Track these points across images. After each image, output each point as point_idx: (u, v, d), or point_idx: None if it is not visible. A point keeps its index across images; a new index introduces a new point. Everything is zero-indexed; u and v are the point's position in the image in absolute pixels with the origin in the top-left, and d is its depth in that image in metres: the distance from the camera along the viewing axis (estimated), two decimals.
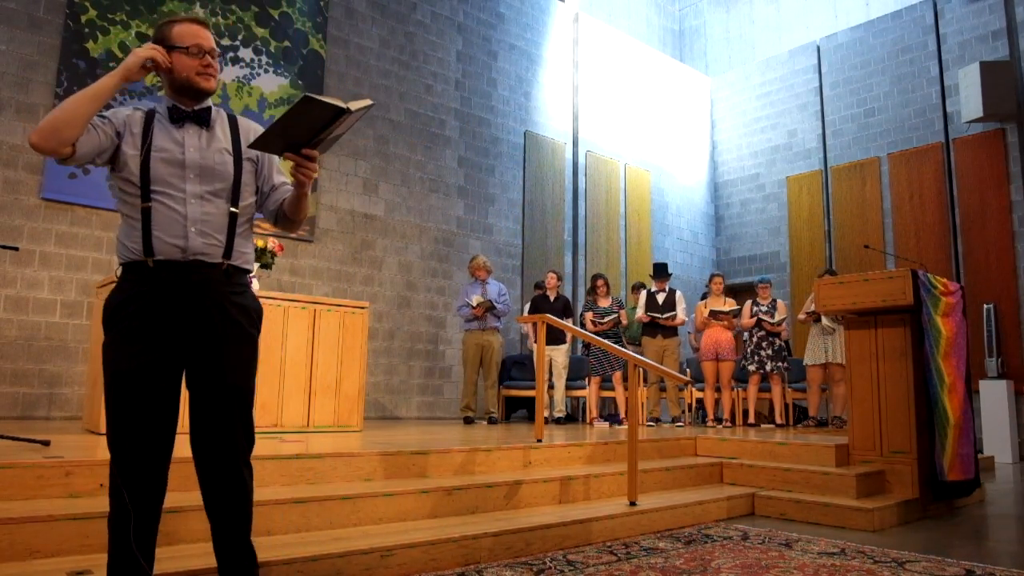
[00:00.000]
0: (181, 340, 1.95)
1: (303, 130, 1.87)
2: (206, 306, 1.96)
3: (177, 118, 2.02)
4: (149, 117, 2.01)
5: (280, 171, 2.23)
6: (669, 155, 11.89)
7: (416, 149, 8.63)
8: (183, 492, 2.93)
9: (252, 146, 1.98)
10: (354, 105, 1.85)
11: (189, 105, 2.05)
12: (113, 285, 2.01)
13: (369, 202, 8.15)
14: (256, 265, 5.28)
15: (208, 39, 2.04)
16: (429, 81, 8.85)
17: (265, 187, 2.18)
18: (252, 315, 2.07)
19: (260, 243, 5.34)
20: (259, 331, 2.11)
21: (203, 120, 2.06)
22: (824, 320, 7.11)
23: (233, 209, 2.04)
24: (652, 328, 7.49)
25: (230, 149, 2.09)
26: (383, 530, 3.00)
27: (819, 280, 5.05)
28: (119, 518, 1.89)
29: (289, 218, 2.17)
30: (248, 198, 2.12)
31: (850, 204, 10.72)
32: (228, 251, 2.01)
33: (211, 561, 2.35)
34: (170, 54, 1.99)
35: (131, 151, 1.96)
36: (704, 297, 8.18)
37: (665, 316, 7.39)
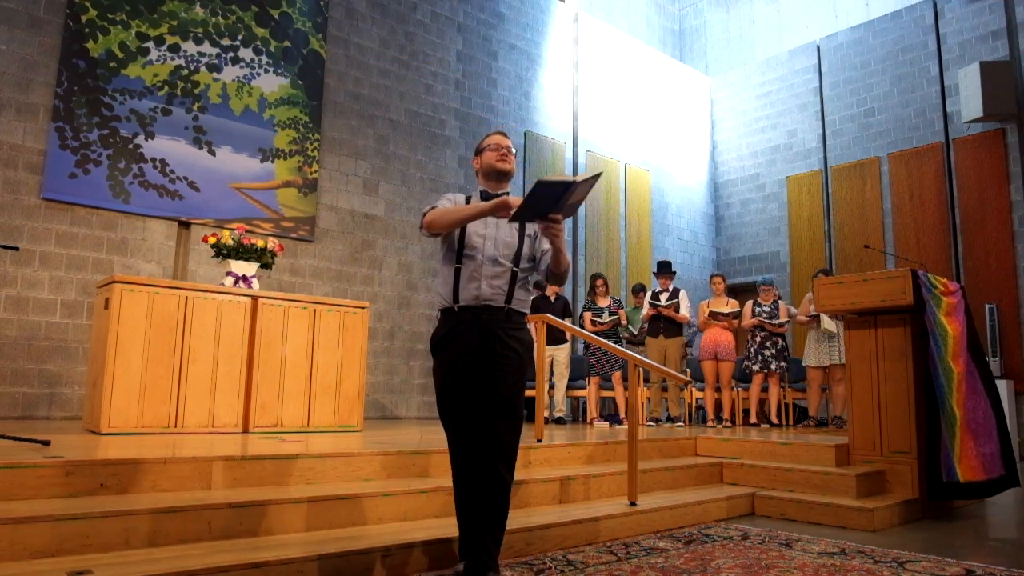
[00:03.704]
0: (476, 361, 2.60)
1: (547, 202, 2.44)
2: (492, 335, 2.60)
3: (485, 199, 2.70)
4: (468, 199, 2.79)
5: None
6: (669, 155, 11.89)
7: (416, 149, 8.63)
8: (180, 492, 2.93)
9: (511, 220, 2.52)
10: (579, 177, 2.40)
11: (495, 189, 2.77)
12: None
13: (369, 202, 8.15)
14: (256, 265, 5.28)
15: (504, 140, 2.80)
16: (429, 81, 8.85)
17: (538, 254, 2.80)
18: (524, 344, 2.70)
19: (260, 243, 5.34)
20: (530, 357, 2.75)
21: None
22: (824, 323, 7.11)
23: (514, 269, 2.68)
24: (655, 328, 7.47)
25: (518, 227, 2.74)
26: (383, 530, 3.00)
27: (818, 280, 5.04)
28: (454, 481, 2.66)
29: (553, 272, 2.77)
30: (525, 263, 2.75)
31: (850, 204, 10.72)
32: (509, 298, 2.64)
33: (208, 561, 2.36)
34: (480, 156, 2.80)
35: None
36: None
37: (666, 304, 7.33)
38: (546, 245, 2.79)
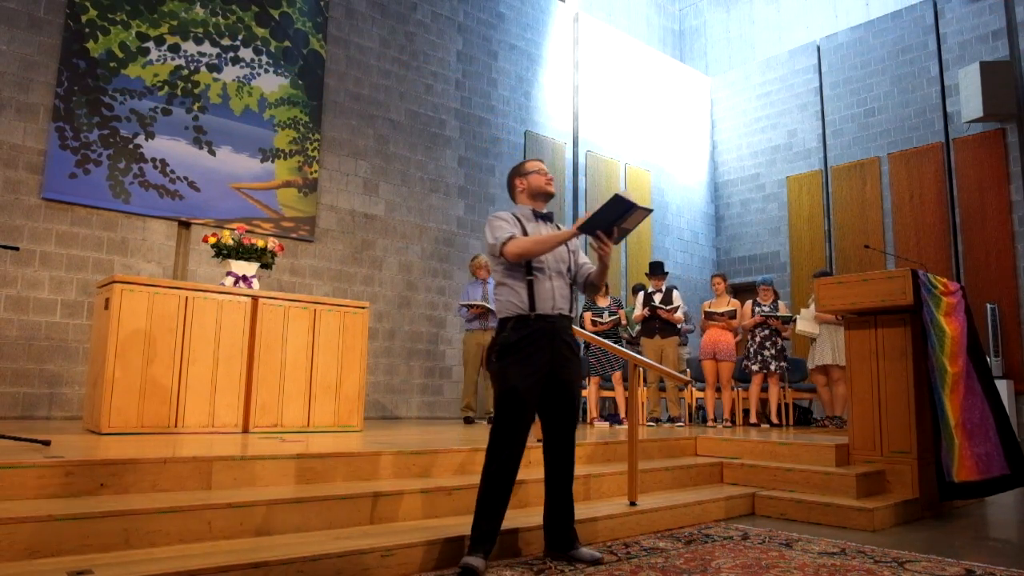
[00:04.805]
0: (550, 364, 2.89)
1: (609, 219, 2.76)
2: (562, 340, 2.93)
3: (536, 217, 3.07)
4: (515, 217, 3.03)
5: (583, 254, 3.20)
6: (669, 155, 11.89)
7: (416, 149, 8.63)
8: (180, 492, 2.93)
9: (581, 229, 2.82)
10: (642, 203, 2.73)
11: (540, 207, 3.10)
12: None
13: (369, 202, 8.15)
14: (256, 265, 5.28)
15: (544, 167, 3.15)
16: (429, 81, 8.85)
17: (575, 266, 3.09)
18: (578, 346, 3.07)
19: (260, 243, 5.34)
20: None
21: (550, 219, 3.14)
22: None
23: (569, 281, 3.03)
24: (650, 328, 7.46)
25: (569, 243, 3.04)
26: (383, 530, 3.00)
27: (819, 280, 5.04)
28: (489, 480, 2.87)
29: (594, 284, 3.11)
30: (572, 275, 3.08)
31: (850, 204, 10.72)
32: (570, 308, 3.01)
33: (208, 561, 2.36)
34: (527, 178, 3.09)
35: None
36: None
37: (667, 307, 7.32)
38: (582, 259, 3.12)
